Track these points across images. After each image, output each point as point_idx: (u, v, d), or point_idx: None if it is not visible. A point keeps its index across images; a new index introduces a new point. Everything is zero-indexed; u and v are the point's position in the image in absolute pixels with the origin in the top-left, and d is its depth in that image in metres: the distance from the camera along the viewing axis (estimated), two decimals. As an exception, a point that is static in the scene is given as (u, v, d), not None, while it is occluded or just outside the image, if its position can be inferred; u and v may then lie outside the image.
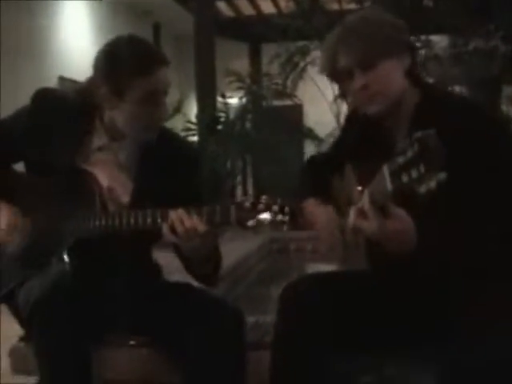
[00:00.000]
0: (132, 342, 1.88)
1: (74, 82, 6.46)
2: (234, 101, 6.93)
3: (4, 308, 1.84)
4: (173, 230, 1.61)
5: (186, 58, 7.88)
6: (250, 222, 1.55)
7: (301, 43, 6.59)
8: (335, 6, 6.55)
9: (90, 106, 1.83)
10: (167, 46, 8.81)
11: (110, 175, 1.82)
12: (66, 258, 1.73)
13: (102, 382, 1.81)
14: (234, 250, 4.05)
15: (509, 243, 1.46)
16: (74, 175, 1.80)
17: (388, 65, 1.57)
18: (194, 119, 6.82)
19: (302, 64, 6.64)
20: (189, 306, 1.75)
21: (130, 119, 1.76)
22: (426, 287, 1.55)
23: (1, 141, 1.91)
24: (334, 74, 1.62)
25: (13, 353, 1.93)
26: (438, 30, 5.73)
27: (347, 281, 1.70)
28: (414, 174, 1.15)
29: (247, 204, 1.55)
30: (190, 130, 6.64)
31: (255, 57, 9.87)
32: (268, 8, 8.66)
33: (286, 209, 1.53)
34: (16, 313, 1.78)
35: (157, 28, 9.70)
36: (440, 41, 5.73)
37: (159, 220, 1.64)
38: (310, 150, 6.76)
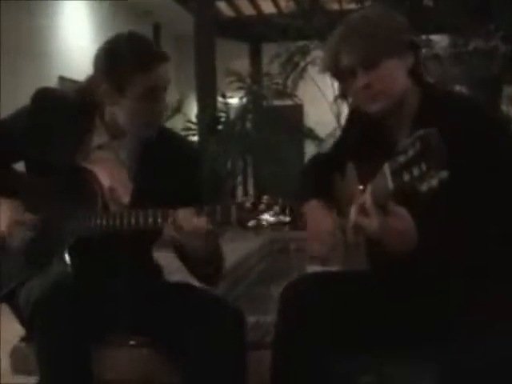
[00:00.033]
0: (132, 342, 1.88)
1: (74, 81, 6.44)
2: (234, 101, 6.92)
3: (4, 308, 1.84)
4: (178, 228, 1.62)
5: (186, 58, 7.87)
6: (251, 223, 1.55)
7: (301, 43, 6.57)
8: (335, 6, 6.54)
9: (90, 105, 1.83)
10: (167, 46, 8.79)
11: (110, 174, 1.82)
12: (66, 257, 1.73)
13: (102, 382, 1.81)
14: (234, 249, 4.05)
15: (509, 243, 1.46)
16: (74, 174, 1.80)
17: (390, 64, 1.56)
18: (194, 119, 6.82)
19: (302, 64, 6.62)
20: (189, 305, 1.75)
21: (130, 115, 1.77)
22: (426, 287, 1.55)
23: (1, 141, 1.91)
24: (337, 73, 1.62)
25: (14, 353, 1.93)
26: (438, 30, 5.72)
27: (347, 281, 1.70)
28: (416, 172, 1.15)
29: (248, 204, 1.56)
30: (190, 129, 6.63)
31: (255, 57, 9.86)
32: (268, 8, 8.66)
33: (288, 209, 1.53)
34: (17, 312, 1.78)
35: (157, 28, 9.68)
36: (440, 41, 5.72)
37: (160, 220, 1.65)
38: (310, 150, 6.75)
